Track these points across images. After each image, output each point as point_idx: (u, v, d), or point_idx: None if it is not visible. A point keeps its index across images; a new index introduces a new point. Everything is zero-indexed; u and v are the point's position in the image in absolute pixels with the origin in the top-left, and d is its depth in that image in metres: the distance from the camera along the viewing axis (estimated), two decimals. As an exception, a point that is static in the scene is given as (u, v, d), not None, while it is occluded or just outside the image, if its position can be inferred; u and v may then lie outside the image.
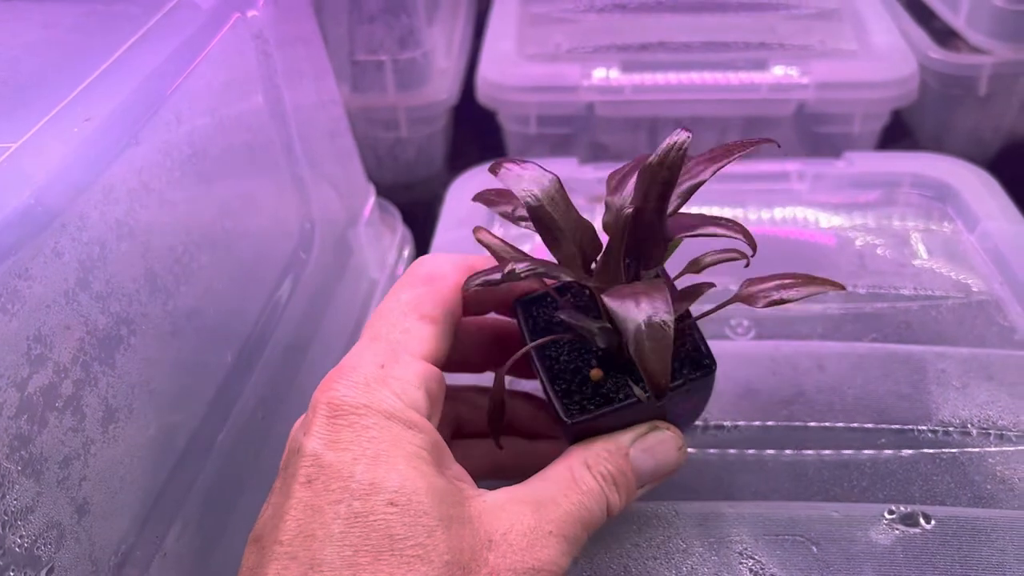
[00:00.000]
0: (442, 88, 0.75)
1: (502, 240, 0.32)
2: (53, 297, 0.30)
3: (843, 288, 0.31)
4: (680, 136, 0.28)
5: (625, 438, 0.31)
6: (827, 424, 0.41)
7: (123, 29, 0.40)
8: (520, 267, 0.28)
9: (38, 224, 0.30)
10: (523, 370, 0.34)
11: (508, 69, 0.71)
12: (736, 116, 0.72)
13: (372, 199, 0.57)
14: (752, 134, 0.75)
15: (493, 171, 0.31)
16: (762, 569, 0.34)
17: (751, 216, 0.59)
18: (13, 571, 0.28)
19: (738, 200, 0.59)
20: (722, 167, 0.30)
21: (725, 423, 0.42)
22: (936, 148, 0.72)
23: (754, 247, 0.29)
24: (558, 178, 0.31)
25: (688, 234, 0.30)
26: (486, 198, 0.34)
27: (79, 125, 0.34)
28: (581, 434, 0.31)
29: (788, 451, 0.41)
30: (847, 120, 0.70)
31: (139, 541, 0.34)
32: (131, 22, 0.40)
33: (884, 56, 0.70)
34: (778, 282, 0.31)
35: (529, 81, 0.70)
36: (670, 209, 0.29)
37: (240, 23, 0.44)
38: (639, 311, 0.27)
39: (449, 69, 0.77)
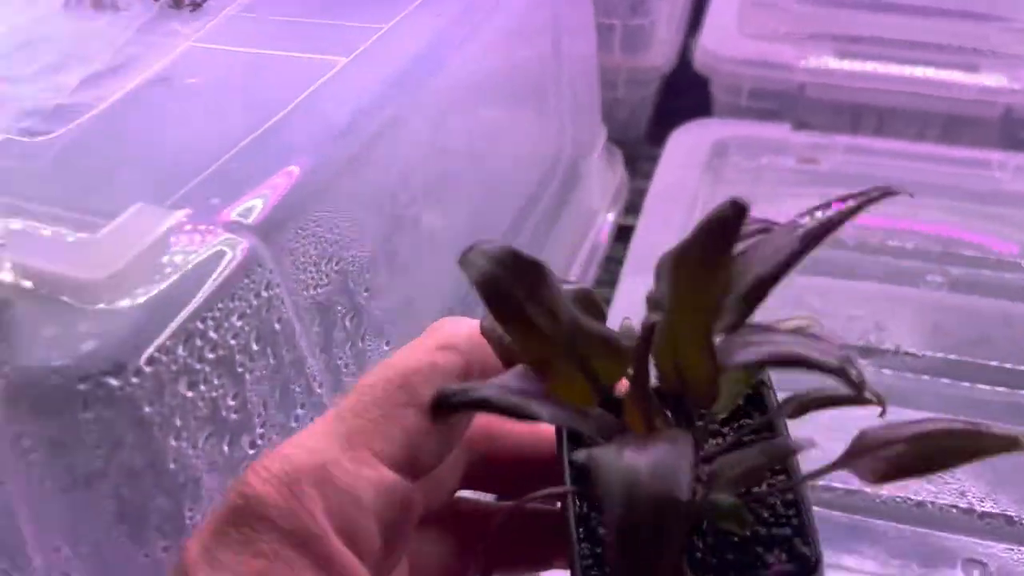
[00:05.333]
0: (661, 54, 0.81)
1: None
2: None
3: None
4: (727, 211, 0.17)
5: None
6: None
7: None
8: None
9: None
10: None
11: (728, 42, 0.77)
12: (938, 113, 0.76)
13: (603, 139, 0.64)
14: (952, 133, 0.77)
15: None
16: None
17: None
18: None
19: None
20: (805, 253, 0.19)
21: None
22: None
23: (861, 391, 0.18)
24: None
25: (743, 362, 0.19)
26: None
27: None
28: None
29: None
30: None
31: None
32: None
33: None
34: (914, 432, 0.19)
35: (747, 55, 0.75)
36: (724, 322, 0.19)
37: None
38: (629, 462, 0.17)
39: (669, 39, 0.83)
